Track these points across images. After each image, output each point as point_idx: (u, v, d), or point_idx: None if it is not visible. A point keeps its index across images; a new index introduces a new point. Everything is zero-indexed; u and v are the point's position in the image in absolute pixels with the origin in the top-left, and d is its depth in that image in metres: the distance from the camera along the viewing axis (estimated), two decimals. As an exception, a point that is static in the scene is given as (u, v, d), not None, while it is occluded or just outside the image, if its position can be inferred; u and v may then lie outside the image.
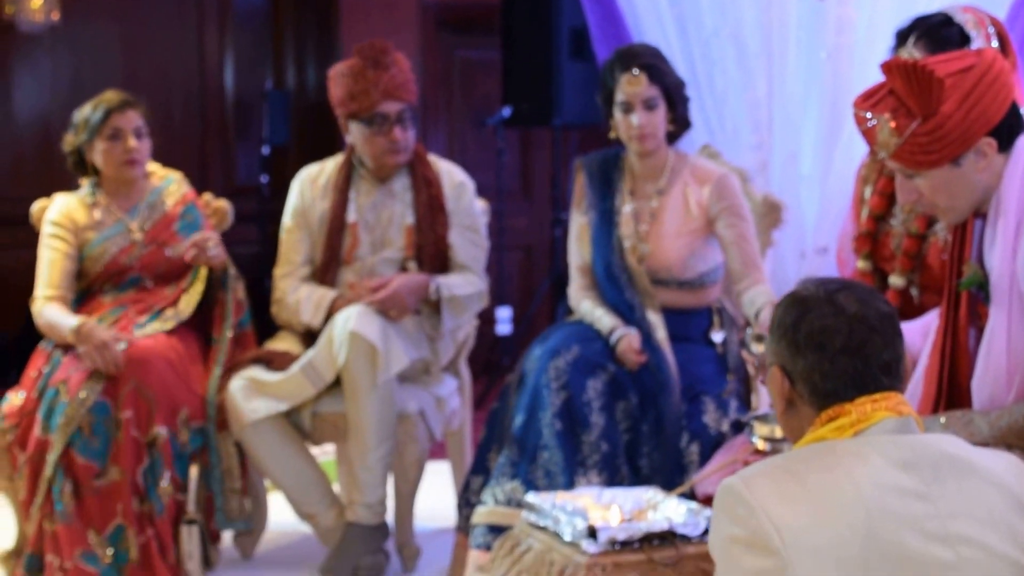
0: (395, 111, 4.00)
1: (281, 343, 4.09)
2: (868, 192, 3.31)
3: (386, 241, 4.10)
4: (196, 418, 3.85)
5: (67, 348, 3.85)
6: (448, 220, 4.09)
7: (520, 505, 3.26)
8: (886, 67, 2.50)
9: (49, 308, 3.92)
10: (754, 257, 3.76)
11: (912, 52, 2.92)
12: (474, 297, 4.08)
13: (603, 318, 3.74)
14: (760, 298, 3.62)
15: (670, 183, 3.82)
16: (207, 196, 4.29)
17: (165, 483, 3.73)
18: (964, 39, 2.88)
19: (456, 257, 4.10)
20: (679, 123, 3.81)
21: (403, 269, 4.06)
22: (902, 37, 3.04)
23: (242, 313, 4.07)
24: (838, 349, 1.94)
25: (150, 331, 3.89)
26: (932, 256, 3.12)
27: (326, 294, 4.01)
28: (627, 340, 3.64)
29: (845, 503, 1.82)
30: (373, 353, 3.74)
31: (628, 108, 3.73)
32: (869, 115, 2.51)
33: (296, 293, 4.06)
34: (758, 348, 3.16)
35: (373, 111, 3.98)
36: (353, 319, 3.76)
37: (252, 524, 4.01)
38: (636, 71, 3.70)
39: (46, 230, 4.03)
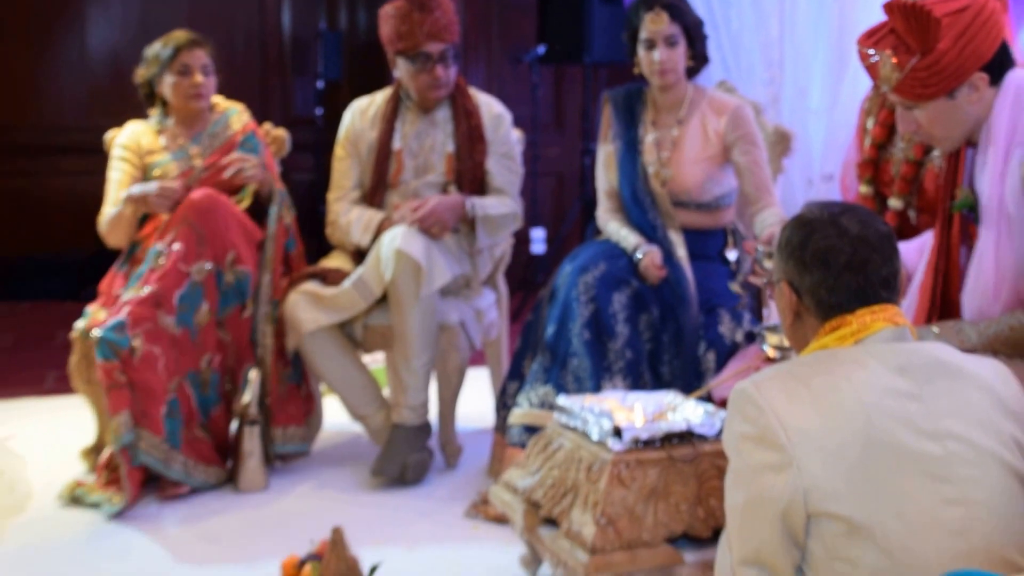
0: (438, 51, 3.97)
1: (334, 261, 4.08)
2: (871, 123, 3.28)
3: (429, 167, 4.09)
4: (241, 262, 3.86)
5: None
6: (486, 148, 4.08)
7: (552, 407, 3.26)
8: (888, 7, 2.49)
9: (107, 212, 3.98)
10: (766, 182, 3.75)
11: None
12: (508, 217, 4.07)
13: (628, 237, 3.74)
14: (771, 219, 3.63)
15: (689, 114, 3.80)
16: (267, 125, 4.28)
17: (203, 311, 3.76)
18: None
19: (492, 182, 4.09)
20: (698, 59, 3.79)
21: (444, 192, 4.05)
22: None
23: (287, 237, 4.05)
24: (842, 266, 1.96)
25: None
26: (928, 181, 3.11)
27: (374, 216, 4.01)
28: (650, 256, 3.64)
29: (846, 403, 1.85)
30: (417, 269, 3.74)
31: (651, 45, 3.71)
32: (872, 52, 2.51)
33: (347, 215, 4.06)
34: (769, 264, 3.17)
35: (417, 50, 3.96)
36: (399, 238, 3.75)
37: (307, 446, 4.02)
38: (659, 10, 3.68)
39: (114, 153, 4.05)
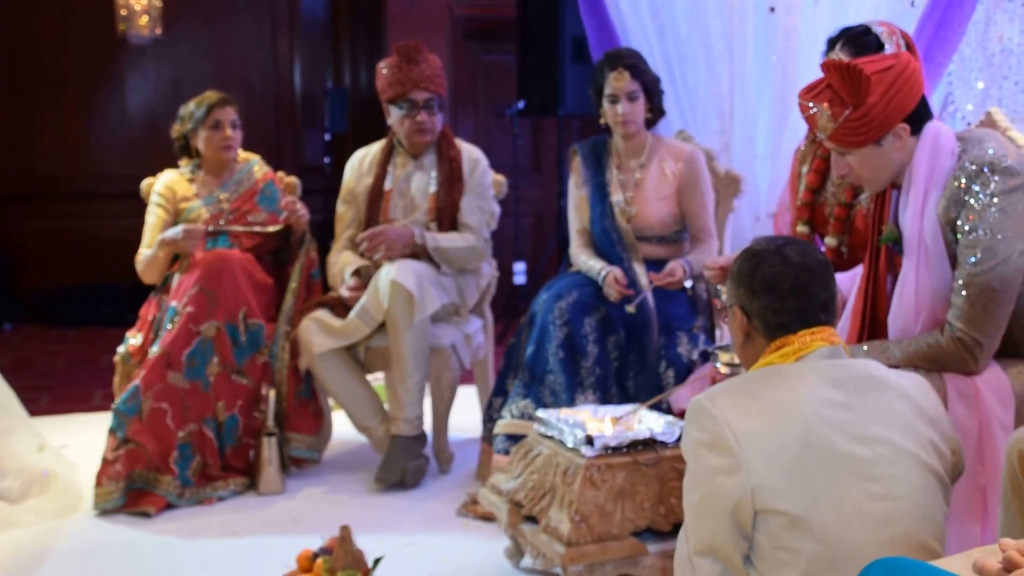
0: (423, 98, 3.98)
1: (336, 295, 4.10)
2: (805, 170, 3.32)
3: (415, 206, 4.07)
4: (254, 315, 3.86)
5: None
6: (463, 188, 4.05)
7: (532, 419, 3.29)
8: (825, 66, 2.51)
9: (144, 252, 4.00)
10: (707, 224, 3.79)
11: (839, 55, 2.94)
12: (465, 250, 3.98)
13: (594, 264, 3.76)
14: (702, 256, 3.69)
15: (649, 159, 3.82)
16: (280, 173, 4.31)
17: (214, 363, 3.76)
18: (879, 46, 2.89)
19: (461, 218, 4.04)
20: (655, 111, 3.82)
21: (427, 229, 4.03)
22: (831, 43, 3.06)
23: (313, 267, 4.09)
24: (786, 291, 1.97)
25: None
26: (858, 220, 3.13)
27: (347, 266, 4.00)
28: (611, 275, 3.65)
29: (788, 413, 1.86)
30: (410, 298, 3.74)
31: (614, 99, 3.74)
32: (811, 104, 2.53)
33: (335, 264, 4.08)
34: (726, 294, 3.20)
35: (405, 97, 3.98)
36: (394, 271, 3.76)
37: (318, 454, 4.02)
38: (621, 69, 3.71)
39: (152, 200, 4.07)
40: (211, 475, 3.75)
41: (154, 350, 3.73)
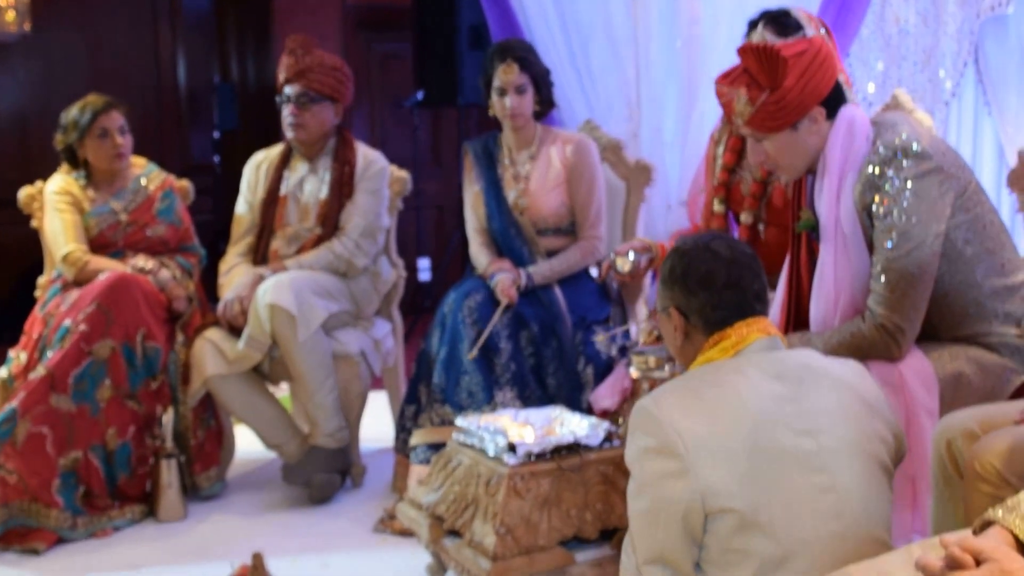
0: (293, 93, 3.91)
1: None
2: (721, 150, 3.35)
3: (307, 211, 4.00)
4: (152, 339, 3.72)
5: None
6: (352, 193, 3.97)
7: (450, 423, 3.25)
8: (741, 50, 2.54)
9: (94, 261, 3.81)
10: (591, 218, 3.78)
11: (763, 35, 2.98)
12: (326, 261, 3.87)
13: (486, 267, 3.73)
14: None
15: (539, 150, 3.83)
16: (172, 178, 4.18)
17: (106, 386, 3.61)
18: (799, 27, 2.94)
19: (340, 219, 3.95)
20: (544, 104, 3.82)
21: (317, 236, 3.95)
22: (752, 24, 3.09)
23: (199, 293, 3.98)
24: (721, 285, 2.01)
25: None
26: (776, 196, 3.19)
27: (232, 287, 3.85)
28: (500, 284, 3.61)
29: (734, 412, 1.88)
30: (291, 318, 3.66)
31: (502, 92, 3.73)
32: (728, 90, 2.55)
33: (226, 274, 3.97)
34: (623, 267, 3.26)
35: (281, 90, 3.93)
36: (269, 292, 3.67)
37: (223, 483, 3.91)
38: (510, 61, 3.70)
39: (51, 200, 3.89)
40: (100, 505, 3.59)
41: (38, 370, 3.55)
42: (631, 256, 3.28)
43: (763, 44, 2.50)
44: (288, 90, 3.92)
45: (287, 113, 3.93)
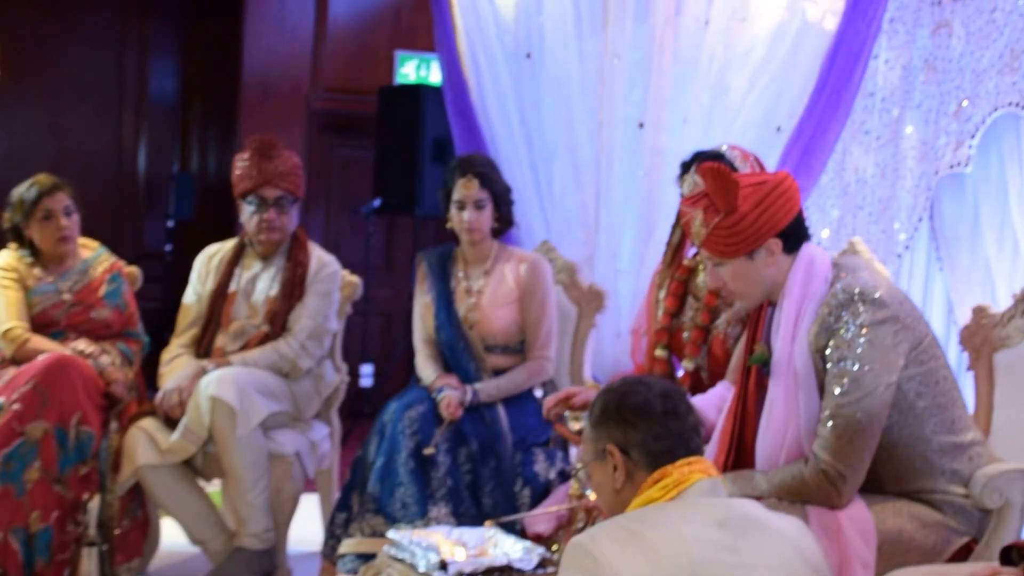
0: (273, 196, 3.88)
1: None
2: (662, 294, 3.35)
3: (256, 308, 3.94)
4: (86, 423, 3.59)
5: None
6: (303, 295, 3.92)
7: (381, 535, 3.16)
8: (701, 170, 2.57)
9: (34, 340, 3.73)
10: (542, 339, 3.75)
11: (695, 179, 3.00)
12: (270, 361, 3.80)
13: (433, 380, 3.68)
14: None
15: (494, 266, 3.82)
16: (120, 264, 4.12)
17: (34, 468, 3.48)
18: (733, 169, 2.95)
19: (289, 320, 3.89)
20: (503, 221, 3.82)
21: (264, 333, 3.89)
22: (685, 167, 3.13)
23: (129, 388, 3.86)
24: (660, 414, 1.98)
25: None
26: (716, 346, 3.18)
27: (171, 377, 3.78)
28: (446, 399, 3.57)
29: (674, 556, 1.83)
30: (232, 412, 3.58)
31: (461, 206, 3.73)
32: (689, 210, 2.56)
33: (167, 364, 3.88)
34: (574, 424, 3.10)
35: (255, 192, 3.87)
36: (213, 385, 3.60)
37: (146, 570, 3.77)
38: (471, 176, 3.71)
39: None
40: None
41: None
42: (584, 419, 3.19)
43: (721, 168, 2.52)
44: (267, 193, 3.86)
45: (264, 217, 3.87)
